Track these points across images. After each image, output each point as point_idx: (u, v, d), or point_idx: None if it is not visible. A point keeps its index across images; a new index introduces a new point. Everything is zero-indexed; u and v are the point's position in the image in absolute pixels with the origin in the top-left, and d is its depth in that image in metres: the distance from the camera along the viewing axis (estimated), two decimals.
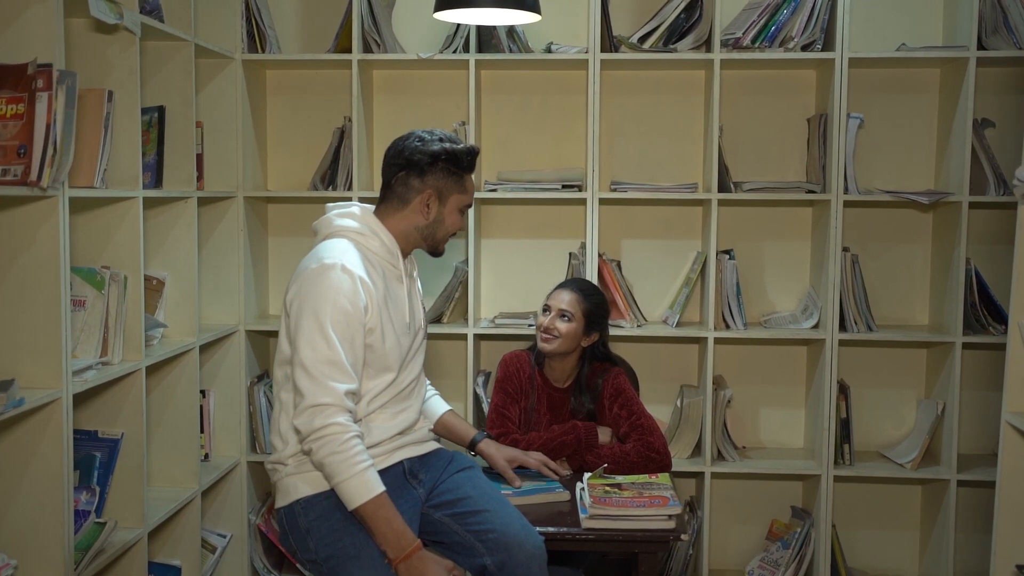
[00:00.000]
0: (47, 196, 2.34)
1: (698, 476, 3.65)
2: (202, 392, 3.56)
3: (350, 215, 2.46)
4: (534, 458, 2.82)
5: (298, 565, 2.40)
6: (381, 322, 2.36)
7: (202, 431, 3.55)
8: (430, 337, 3.08)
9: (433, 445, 2.61)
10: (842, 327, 3.53)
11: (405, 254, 2.52)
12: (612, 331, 3.53)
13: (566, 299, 3.00)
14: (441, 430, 2.81)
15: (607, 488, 2.62)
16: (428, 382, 2.84)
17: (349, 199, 3.49)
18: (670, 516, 2.51)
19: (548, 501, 2.67)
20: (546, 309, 3.02)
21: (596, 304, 3.03)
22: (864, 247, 3.71)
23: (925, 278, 3.73)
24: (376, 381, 2.40)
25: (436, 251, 2.56)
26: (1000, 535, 2.37)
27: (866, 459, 3.67)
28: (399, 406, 2.49)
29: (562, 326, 2.96)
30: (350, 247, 2.39)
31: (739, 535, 3.88)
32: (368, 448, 2.39)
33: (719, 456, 3.61)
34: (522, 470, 2.80)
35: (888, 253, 3.75)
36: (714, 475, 3.60)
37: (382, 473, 2.39)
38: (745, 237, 3.76)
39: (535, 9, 2.81)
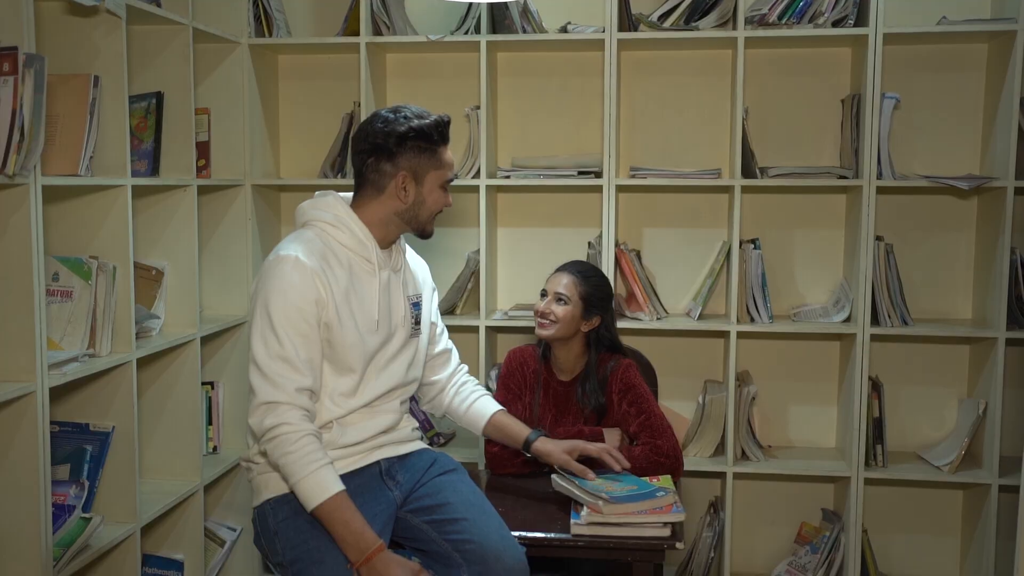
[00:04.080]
0: (16, 184, 2.27)
1: (721, 476, 3.48)
2: (211, 384, 3.51)
3: (324, 204, 2.35)
4: (595, 447, 2.57)
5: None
6: (340, 318, 2.24)
7: (211, 423, 3.51)
8: None
9: (416, 445, 2.48)
10: (875, 321, 3.32)
11: (386, 244, 2.39)
12: (631, 324, 3.40)
13: (563, 282, 2.85)
14: (492, 431, 2.63)
15: None
16: (475, 380, 2.69)
17: None
18: (665, 523, 2.35)
19: (650, 507, 2.37)
20: (544, 294, 2.88)
21: (595, 286, 2.86)
22: (903, 236, 3.49)
23: (968, 269, 3.50)
24: (341, 380, 2.29)
25: (424, 233, 2.42)
26: (1023, 548, 2.17)
27: (903, 460, 3.46)
28: (377, 408, 2.37)
29: (558, 310, 2.81)
30: (314, 238, 2.29)
31: (766, 538, 3.69)
32: (343, 448, 2.29)
33: (743, 455, 3.44)
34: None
35: (929, 243, 3.52)
36: (737, 475, 3.44)
37: (356, 473, 2.30)
38: (776, 225, 3.57)
39: None
